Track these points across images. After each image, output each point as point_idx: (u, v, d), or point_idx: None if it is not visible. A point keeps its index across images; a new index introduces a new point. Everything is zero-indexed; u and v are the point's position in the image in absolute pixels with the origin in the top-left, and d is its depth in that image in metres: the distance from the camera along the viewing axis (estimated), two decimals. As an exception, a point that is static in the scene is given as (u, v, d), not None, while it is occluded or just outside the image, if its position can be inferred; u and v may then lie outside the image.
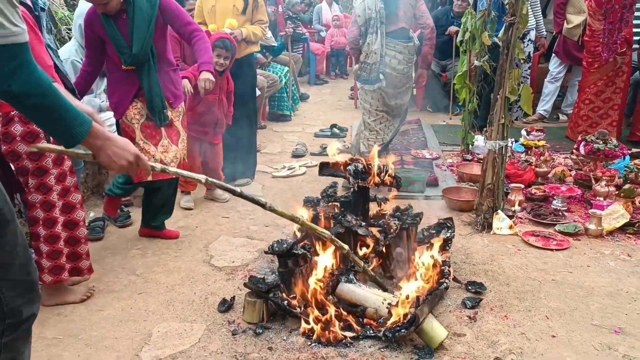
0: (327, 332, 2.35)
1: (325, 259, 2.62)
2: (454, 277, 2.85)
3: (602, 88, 5.55)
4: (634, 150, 4.96)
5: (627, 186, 3.91)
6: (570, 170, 4.61)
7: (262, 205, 1.95)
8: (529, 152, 4.92)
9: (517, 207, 3.88)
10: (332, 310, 2.43)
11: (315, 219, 2.90)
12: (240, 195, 1.87)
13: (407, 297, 2.41)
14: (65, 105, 1.40)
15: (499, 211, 3.59)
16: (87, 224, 3.14)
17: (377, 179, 2.93)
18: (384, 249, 2.83)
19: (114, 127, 3.38)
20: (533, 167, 4.50)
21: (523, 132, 5.23)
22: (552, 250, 3.31)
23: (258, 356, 2.29)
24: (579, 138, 4.55)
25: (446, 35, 6.87)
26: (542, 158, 4.57)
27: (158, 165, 1.69)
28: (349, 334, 2.38)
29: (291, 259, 2.60)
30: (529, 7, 5.49)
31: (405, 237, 2.86)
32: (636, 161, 4.47)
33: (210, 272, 3.09)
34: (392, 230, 2.84)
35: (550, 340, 2.41)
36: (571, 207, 3.98)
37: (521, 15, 3.35)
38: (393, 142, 4.96)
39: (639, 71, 5.95)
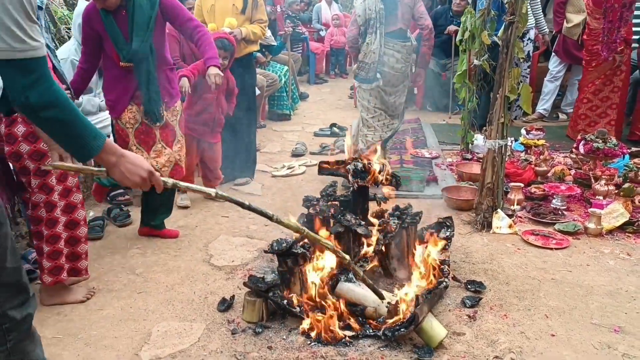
0: (326, 331, 2.35)
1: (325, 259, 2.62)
2: (453, 276, 2.86)
3: (600, 87, 5.56)
4: (633, 149, 4.96)
5: (626, 185, 3.91)
6: (569, 169, 4.61)
7: (269, 218, 1.96)
8: (528, 151, 4.92)
9: (516, 206, 3.88)
10: (331, 309, 2.43)
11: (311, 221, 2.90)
12: (249, 207, 1.88)
13: (406, 296, 2.41)
14: (80, 119, 1.44)
15: (499, 210, 3.59)
16: (87, 224, 3.14)
17: (376, 177, 2.93)
18: (383, 248, 2.83)
19: (109, 129, 3.37)
20: (533, 166, 4.50)
21: (523, 131, 5.23)
22: (551, 249, 3.31)
23: (257, 355, 2.29)
24: (579, 137, 4.55)
25: (445, 35, 6.87)
26: (541, 157, 4.57)
27: (170, 181, 1.71)
28: (348, 333, 2.38)
29: (291, 258, 2.60)
30: (529, 6, 5.48)
31: (405, 236, 2.86)
32: (636, 160, 4.47)
33: (210, 271, 3.09)
34: (391, 229, 2.84)
35: (549, 339, 2.41)
36: (571, 206, 3.98)
37: (521, 14, 3.35)
38: (393, 141, 4.97)
39: (638, 70, 5.95)
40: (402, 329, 2.29)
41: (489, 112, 3.57)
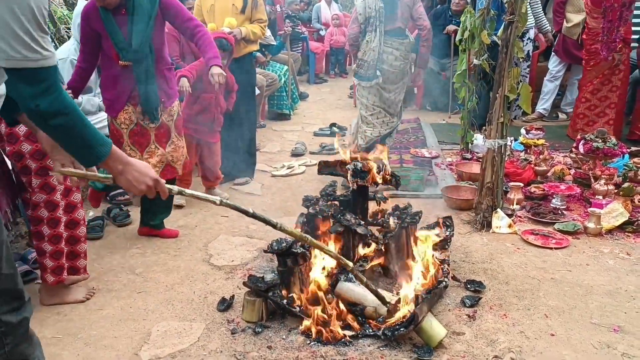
0: (326, 330, 2.35)
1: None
2: (453, 276, 2.86)
3: (598, 86, 5.56)
4: (633, 148, 4.96)
5: (626, 185, 3.91)
6: (569, 169, 4.61)
7: (273, 226, 1.96)
8: (528, 150, 4.92)
9: (516, 206, 3.88)
10: (331, 309, 2.43)
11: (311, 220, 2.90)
12: (253, 215, 1.88)
13: (406, 296, 2.41)
14: (87, 126, 1.49)
15: (498, 210, 3.59)
16: (86, 223, 3.14)
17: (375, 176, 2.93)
18: (383, 248, 2.83)
19: (107, 130, 3.37)
20: (532, 165, 4.50)
21: (522, 130, 5.23)
22: (551, 248, 3.31)
23: (257, 355, 2.29)
24: (578, 137, 4.55)
25: (445, 34, 6.87)
26: (541, 157, 4.57)
27: (175, 188, 1.73)
28: (348, 332, 2.38)
29: (290, 258, 2.60)
30: (528, 6, 5.48)
31: (405, 236, 2.87)
32: (635, 160, 4.47)
33: (210, 271, 3.09)
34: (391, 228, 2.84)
35: (549, 339, 2.41)
36: (570, 205, 3.98)
37: (520, 13, 3.35)
38: (393, 141, 4.95)
39: (638, 69, 5.95)
40: (401, 329, 2.29)
41: (489, 112, 3.58)
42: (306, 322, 2.40)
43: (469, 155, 5.16)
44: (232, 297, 2.72)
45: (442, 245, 2.99)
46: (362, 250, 2.83)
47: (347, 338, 2.35)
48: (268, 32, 6.26)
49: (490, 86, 3.81)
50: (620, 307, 2.66)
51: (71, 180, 1.70)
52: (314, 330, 2.37)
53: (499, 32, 3.57)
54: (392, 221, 2.90)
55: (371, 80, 4.29)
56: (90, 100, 3.96)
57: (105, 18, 2.99)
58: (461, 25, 4.95)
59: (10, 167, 2.62)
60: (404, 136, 5.85)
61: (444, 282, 2.63)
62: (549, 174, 4.55)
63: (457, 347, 2.34)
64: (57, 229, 2.62)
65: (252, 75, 4.77)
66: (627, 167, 4.29)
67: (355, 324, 2.42)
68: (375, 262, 2.85)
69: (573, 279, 2.94)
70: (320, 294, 2.50)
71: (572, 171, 4.56)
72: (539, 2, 6.38)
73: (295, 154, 5.45)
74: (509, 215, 3.64)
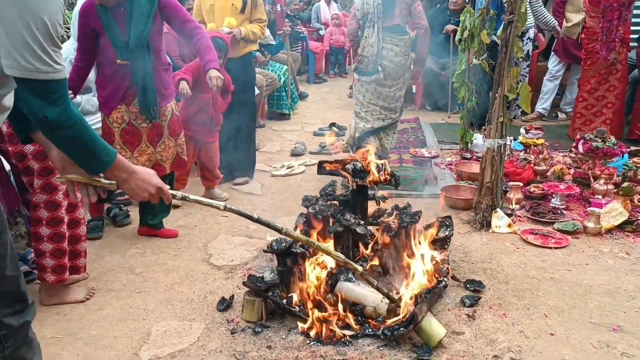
0: (326, 330, 2.35)
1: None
2: (452, 276, 2.86)
3: (595, 86, 5.57)
4: (632, 148, 4.96)
5: (625, 184, 3.91)
6: (569, 169, 4.62)
7: (279, 231, 1.96)
8: (527, 150, 4.92)
9: (515, 206, 3.88)
10: (330, 308, 2.43)
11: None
12: (257, 220, 1.88)
13: (406, 295, 2.42)
14: (93, 138, 1.54)
15: (498, 209, 3.59)
16: (86, 222, 3.15)
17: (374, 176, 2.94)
18: (382, 248, 2.83)
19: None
20: (532, 165, 4.50)
21: (522, 130, 5.23)
22: (550, 248, 3.31)
23: (257, 355, 2.29)
24: (578, 136, 4.55)
25: (443, 34, 6.87)
26: (540, 156, 4.57)
27: (179, 193, 1.75)
28: (347, 332, 2.38)
29: (290, 258, 2.60)
30: (528, 6, 5.48)
31: (404, 236, 2.87)
32: (635, 159, 4.47)
33: (209, 271, 3.09)
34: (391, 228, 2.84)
35: (548, 338, 2.41)
36: (570, 205, 3.98)
37: (520, 13, 3.35)
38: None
39: (637, 69, 5.95)
40: (401, 328, 2.30)
41: (488, 112, 3.58)
42: (306, 322, 2.40)
43: (468, 155, 5.17)
44: (232, 297, 2.72)
45: (442, 244, 2.99)
46: (361, 250, 2.84)
47: (347, 338, 2.35)
48: (267, 32, 6.26)
49: (490, 86, 3.81)
50: (619, 307, 2.67)
51: (75, 191, 1.72)
52: (313, 330, 2.37)
53: (499, 32, 3.57)
54: (391, 221, 2.90)
55: (371, 75, 4.31)
56: (90, 100, 3.95)
57: (104, 16, 2.98)
58: (461, 24, 4.95)
59: (8, 168, 2.63)
60: (403, 136, 5.86)
61: (443, 282, 2.63)
62: (548, 173, 4.55)
63: (456, 346, 2.34)
64: (58, 228, 2.63)
65: (251, 75, 4.77)
66: (627, 167, 4.29)
67: (354, 324, 2.42)
68: (375, 261, 2.85)
69: (572, 279, 2.94)
70: (320, 294, 2.50)
71: (572, 171, 4.56)
72: (540, 0, 6.38)
73: (295, 154, 5.45)
74: (509, 215, 3.64)
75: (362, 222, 2.88)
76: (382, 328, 2.35)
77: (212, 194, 4.18)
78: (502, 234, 3.50)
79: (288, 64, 7.24)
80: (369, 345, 2.33)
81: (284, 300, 2.51)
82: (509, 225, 3.54)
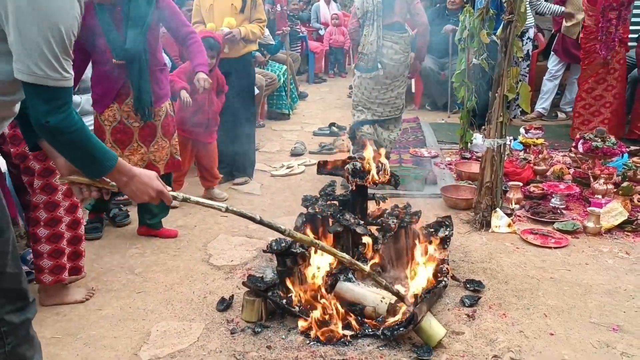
0: (325, 330, 2.35)
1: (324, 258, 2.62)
2: (452, 276, 2.86)
3: (593, 85, 5.57)
4: (632, 147, 4.96)
5: (625, 184, 3.91)
6: (568, 168, 4.62)
7: (282, 232, 1.95)
8: (527, 150, 4.92)
9: (515, 205, 3.88)
10: (330, 308, 2.42)
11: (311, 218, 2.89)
12: (260, 222, 1.88)
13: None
14: (93, 142, 1.57)
15: (498, 209, 3.59)
16: (85, 223, 3.15)
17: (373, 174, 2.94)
18: (382, 247, 2.82)
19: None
20: (531, 165, 4.50)
21: (521, 130, 5.23)
22: (550, 248, 3.31)
23: (257, 355, 2.29)
24: (577, 136, 4.55)
25: (442, 34, 6.87)
26: (540, 156, 4.57)
27: (180, 195, 1.76)
28: (347, 332, 2.38)
29: (290, 258, 2.60)
30: (528, 5, 5.48)
31: (404, 236, 2.86)
32: (634, 159, 4.47)
33: (209, 271, 3.09)
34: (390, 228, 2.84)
35: (548, 338, 2.41)
36: (569, 205, 3.98)
37: (519, 13, 3.35)
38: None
39: (637, 69, 5.95)
40: (401, 328, 2.30)
41: (488, 111, 3.58)
42: (305, 322, 2.40)
43: (468, 155, 5.16)
44: (232, 297, 2.72)
45: (441, 244, 2.99)
46: (361, 250, 2.83)
47: (347, 338, 2.35)
48: (266, 32, 6.26)
49: (490, 85, 3.81)
50: (619, 307, 2.67)
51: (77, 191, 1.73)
52: (313, 330, 2.37)
53: (498, 32, 3.57)
54: (391, 221, 2.90)
55: (372, 72, 4.35)
56: (90, 101, 3.94)
57: (101, 14, 2.97)
58: (460, 24, 4.95)
59: (4, 170, 2.63)
60: (403, 136, 5.85)
61: (443, 282, 2.63)
62: (548, 173, 4.55)
63: (456, 346, 2.34)
64: (56, 228, 2.62)
65: (251, 75, 4.77)
66: (627, 167, 4.29)
67: (354, 324, 2.42)
68: (375, 261, 2.84)
69: (572, 279, 2.94)
70: (320, 293, 2.50)
71: (572, 170, 4.56)
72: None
73: (295, 154, 5.45)
74: (508, 215, 3.64)
75: (362, 222, 2.88)
76: (381, 328, 2.35)
77: (211, 194, 4.18)
78: (501, 234, 3.50)
79: (287, 64, 7.23)
80: (368, 345, 2.33)
81: (284, 300, 2.51)
82: (509, 225, 3.54)
